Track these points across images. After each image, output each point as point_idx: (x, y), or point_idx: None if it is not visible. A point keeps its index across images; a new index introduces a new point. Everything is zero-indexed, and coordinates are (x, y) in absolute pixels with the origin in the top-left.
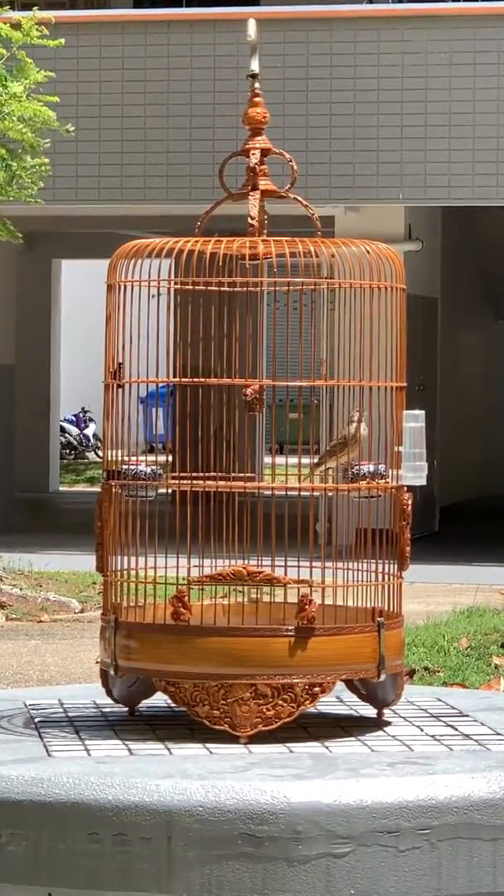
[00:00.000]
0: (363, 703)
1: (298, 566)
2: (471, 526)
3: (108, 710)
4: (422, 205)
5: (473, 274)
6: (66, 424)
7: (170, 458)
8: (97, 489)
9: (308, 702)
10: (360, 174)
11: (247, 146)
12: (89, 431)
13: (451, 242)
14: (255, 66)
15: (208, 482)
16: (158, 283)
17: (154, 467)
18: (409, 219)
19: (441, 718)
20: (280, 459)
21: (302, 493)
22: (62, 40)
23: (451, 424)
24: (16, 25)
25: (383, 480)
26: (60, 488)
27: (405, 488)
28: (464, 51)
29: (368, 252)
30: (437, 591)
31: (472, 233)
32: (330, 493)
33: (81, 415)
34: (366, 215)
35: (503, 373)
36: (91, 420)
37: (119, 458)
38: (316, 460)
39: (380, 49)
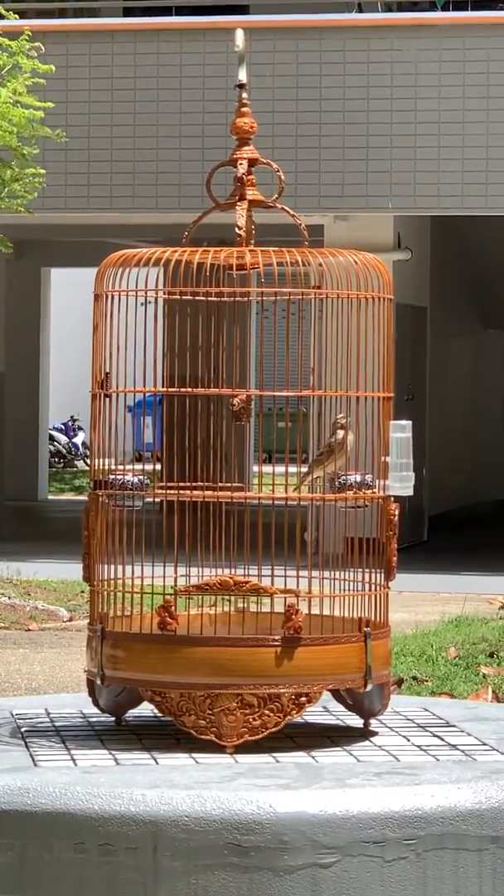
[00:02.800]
0: (350, 713)
1: (285, 576)
2: (459, 535)
3: (94, 719)
4: (411, 214)
5: (463, 283)
6: (54, 433)
7: (158, 468)
8: (86, 498)
9: (294, 711)
10: (350, 183)
11: (234, 156)
12: (78, 440)
13: (440, 251)
14: (242, 76)
15: (195, 492)
16: (146, 293)
17: (141, 477)
18: (398, 228)
19: (428, 729)
20: (268, 468)
21: (289, 503)
22: (52, 66)
23: (440, 433)
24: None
25: (370, 490)
26: (49, 497)
27: (392, 498)
28: (453, 60)
29: (356, 262)
30: (425, 600)
31: (462, 242)
32: (317, 503)
33: (70, 423)
34: (355, 224)
35: (492, 382)
36: (80, 428)
37: (106, 468)
38: (304, 470)
39: (369, 58)
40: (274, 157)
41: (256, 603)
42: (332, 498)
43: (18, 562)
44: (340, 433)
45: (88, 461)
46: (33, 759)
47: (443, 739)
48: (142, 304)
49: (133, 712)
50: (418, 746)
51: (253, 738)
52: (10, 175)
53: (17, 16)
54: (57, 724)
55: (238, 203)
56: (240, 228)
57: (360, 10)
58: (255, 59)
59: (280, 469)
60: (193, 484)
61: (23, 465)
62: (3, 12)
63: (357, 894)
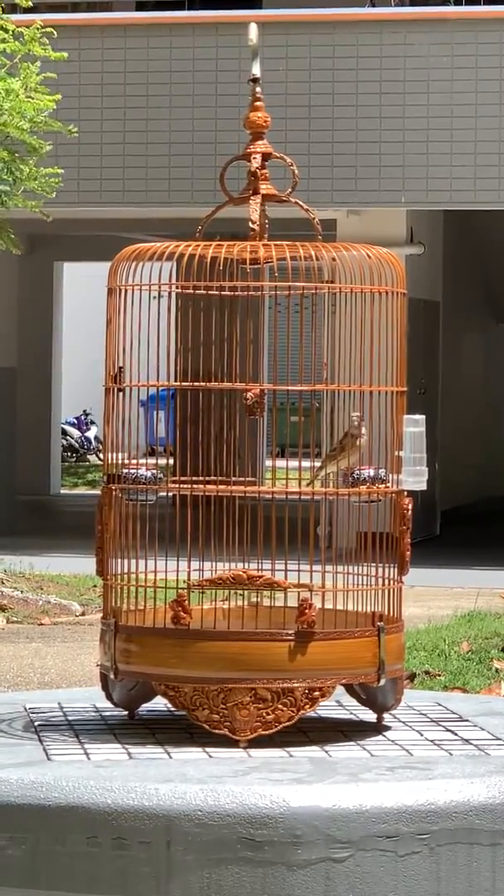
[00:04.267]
0: (363, 707)
1: (299, 570)
2: (472, 529)
3: (107, 713)
4: (424, 208)
5: (475, 277)
6: (67, 427)
7: (171, 462)
8: (98, 492)
9: (308, 706)
10: (362, 177)
11: (248, 150)
12: (91, 434)
13: (452, 246)
14: (256, 70)
15: (209, 486)
16: (159, 287)
17: (154, 471)
18: (410, 222)
19: (441, 723)
20: (281, 462)
21: (302, 497)
22: (65, 54)
23: (452, 427)
24: (17, 34)
25: (384, 485)
26: (62, 491)
27: (405, 493)
28: (466, 54)
29: (369, 256)
30: (438, 595)
31: (474, 236)
32: (330, 497)
33: (83, 417)
34: (367, 218)
35: None
36: (92, 423)
37: (119, 462)
38: (318, 464)
39: (382, 52)
40: (287, 150)
41: (270, 597)
42: (346, 493)
43: (31, 556)
44: (354, 428)
45: (101, 455)
46: (47, 754)
47: (456, 734)
48: (154, 297)
49: (146, 706)
50: (431, 741)
51: (266, 732)
52: (28, 173)
53: (30, 2)
54: (70, 718)
55: (252, 197)
56: (253, 223)
57: (373, 5)
58: (267, 53)
59: (293, 463)
60: (207, 478)
61: (35, 460)
62: (17, 0)
63: (370, 889)
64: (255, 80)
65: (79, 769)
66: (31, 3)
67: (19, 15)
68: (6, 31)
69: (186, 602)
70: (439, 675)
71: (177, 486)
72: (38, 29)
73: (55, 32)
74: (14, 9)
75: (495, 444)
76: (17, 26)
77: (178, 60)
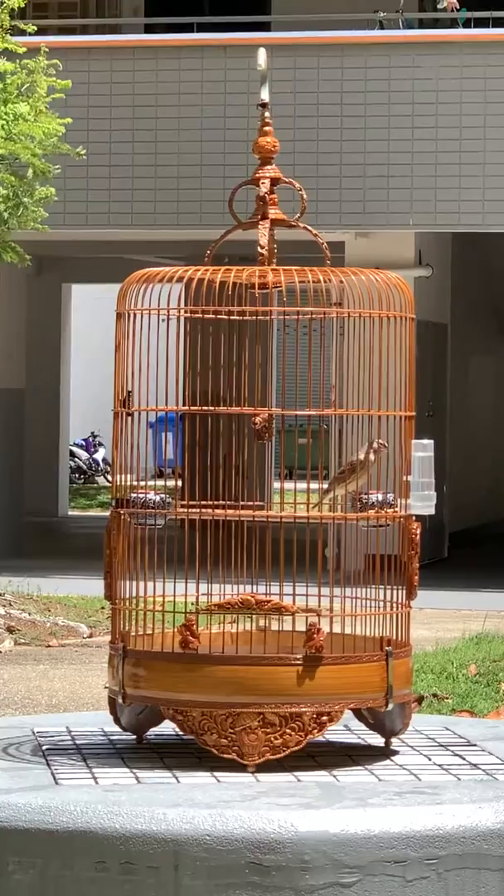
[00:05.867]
0: (371, 731)
1: (307, 594)
2: (480, 551)
3: (115, 737)
4: (432, 231)
5: (483, 300)
6: (75, 449)
7: (179, 485)
8: (107, 513)
9: (316, 730)
10: (371, 200)
11: (257, 175)
12: (99, 456)
13: (461, 268)
14: (265, 95)
15: (217, 510)
16: (168, 312)
17: (163, 495)
18: (419, 245)
19: (449, 748)
20: (289, 485)
21: (311, 521)
22: (69, 82)
23: (460, 450)
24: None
25: (392, 509)
26: (70, 513)
27: (413, 517)
28: (474, 77)
29: (378, 281)
30: (446, 618)
31: (483, 259)
32: (338, 522)
33: (91, 439)
34: (376, 241)
35: None
36: (101, 444)
37: (128, 486)
38: (325, 487)
39: (390, 75)
40: (295, 173)
41: (278, 621)
42: (354, 517)
43: (39, 578)
44: (362, 453)
45: (109, 477)
46: (55, 778)
47: (464, 759)
48: (163, 320)
49: (154, 730)
50: (439, 766)
51: (274, 756)
52: (24, 191)
53: (35, 28)
54: (78, 742)
55: (260, 222)
56: (262, 247)
57: (382, 28)
58: (276, 76)
59: (301, 486)
60: (215, 502)
61: (44, 482)
62: (23, 26)
63: None
64: (263, 105)
65: (87, 793)
66: (35, 29)
67: (28, 37)
68: (14, 54)
69: (195, 626)
70: (447, 698)
71: (185, 510)
72: (43, 56)
73: (61, 65)
74: (23, 32)
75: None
76: (26, 47)
77: (187, 83)
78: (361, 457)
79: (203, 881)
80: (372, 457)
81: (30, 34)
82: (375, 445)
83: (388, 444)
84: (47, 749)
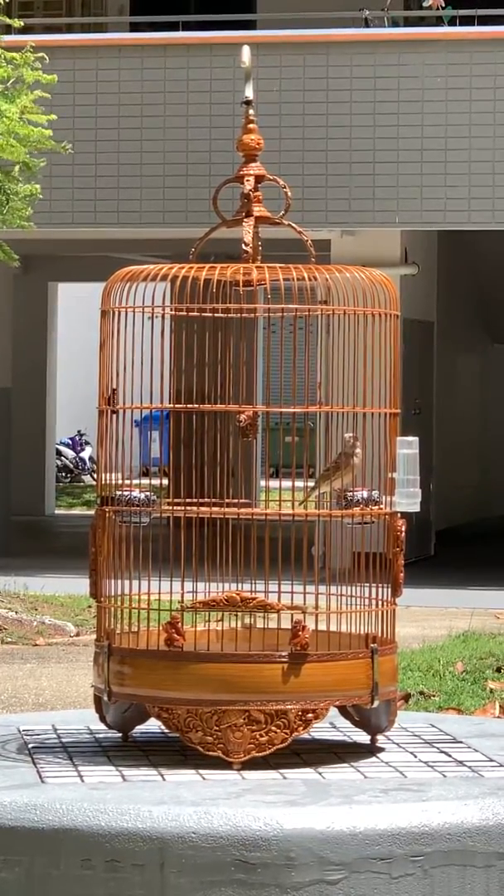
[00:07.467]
0: (357, 729)
1: (292, 592)
2: (466, 549)
3: (101, 735)
4: (418, 229)
5: (470, 298)
6: (61, 447)
7: (165, 483)
8: (92, 512)
9: (301, 728)
10: (357, 198)
11: (241, 172)
12: (85, 454)
13: (447, 266)
14: (249, 92)
15: (202, 508)
16: (153, 310)
17: (148, 493)
18: (405, 242)
19: (434, 744)
20: (274, 483)
21: (296, 519)
22: (55, 77)
23: (447, 448)
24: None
25: (377, 507)
26: (56, 511)
27: (399, 515)
28: (459, 75)
29: (363, 279)
30: (432, 615)
31: (469, 257)
32: (324, 519)
33: (77, 438)
34: (362, 239)
35: (499, 396)
36: (87, 443)
37: (113, 484)
38: (311, 485)
39: (376, 73)
40: (280, 171)
41: (263, 619)
42: (339, 514)
43: (25, 576)
44: (348, 449)
45: (95, 476)
46: (40, 776)
47: (450, 756)
48: (149, 318)
49: (140, 728)
50: (425, 763)
51: (260, 754)
52: (11, 192)
53: (22, 23)
54: (64, 740)
55: (245, 220)
56: (246, 245)
57: (367, 26)
58: (261, 74)
59: (287, 484)
60: (200, 500)
61: (30, 480)
62: (9, 21)
63: None
64: (248, 103)
65: (72, 791)
66: (22, 24)
67: (13, 36)
68: None
69: (180, 624)
70: (434, 696)
71: (171, 507)
72: (30, 51)
73: (46, 58)
74: (8, 30)
75: (490, 464)
76: (11, 47)
77: (173, 81)
78: (347, 453)
79: (189, 879)
80: (358, 452)
81: (17, 29)
82: (346, 437)
83: (367, 438)
84: (33, 747)
